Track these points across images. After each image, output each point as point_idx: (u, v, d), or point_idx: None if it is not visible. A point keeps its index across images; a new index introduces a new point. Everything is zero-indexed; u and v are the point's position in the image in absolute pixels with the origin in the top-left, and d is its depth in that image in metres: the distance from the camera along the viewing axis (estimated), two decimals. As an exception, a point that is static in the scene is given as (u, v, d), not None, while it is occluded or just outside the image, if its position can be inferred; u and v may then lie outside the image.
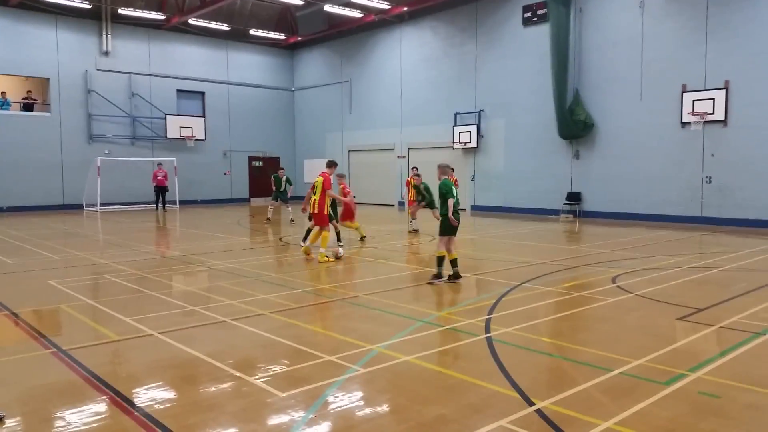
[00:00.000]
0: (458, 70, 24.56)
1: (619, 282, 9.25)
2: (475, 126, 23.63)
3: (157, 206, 25.52)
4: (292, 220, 19.55)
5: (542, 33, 21.02)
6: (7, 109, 24.79)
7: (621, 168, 19.88)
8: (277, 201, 20.06)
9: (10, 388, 4.97)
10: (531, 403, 4.50)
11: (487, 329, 6.59)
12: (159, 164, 25.87)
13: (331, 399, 4.68)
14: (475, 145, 23.68)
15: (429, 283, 9.23)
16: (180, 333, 6.61)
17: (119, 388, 4.92)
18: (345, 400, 4.70)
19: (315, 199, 11.64)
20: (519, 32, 22.39)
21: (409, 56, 26.55)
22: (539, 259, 11.71)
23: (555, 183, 21.48)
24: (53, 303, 8.33)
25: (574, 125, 20.44)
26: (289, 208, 20.12)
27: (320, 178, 11.75)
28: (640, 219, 19.17)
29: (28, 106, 25.67)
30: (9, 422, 4.32)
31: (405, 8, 24.99)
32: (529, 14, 22.02)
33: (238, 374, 5.25)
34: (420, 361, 5.53)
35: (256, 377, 5.18)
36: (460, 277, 9.36)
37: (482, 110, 23.74)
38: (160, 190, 25.38)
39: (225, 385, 5.04)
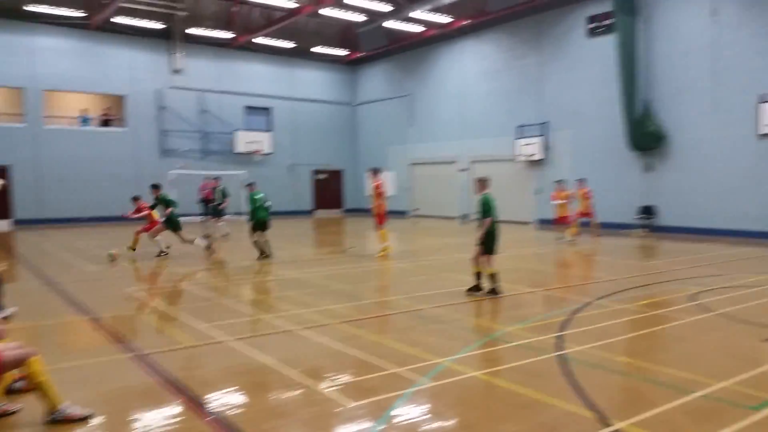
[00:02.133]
0: (520, 82, 24.26)
1: (697, 300, 8.80)
2: (541, 138, 23.22)
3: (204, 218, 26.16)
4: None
5: (608, 43, 20.48)
6: (88, 125, 26.30)
7: (696, 181, 19.01)
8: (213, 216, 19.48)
9: (94, 389, 5.20)
10: (608, 424, 4.33)
11: (559, 346, 6.41)
12: (205, 178, 26.56)
13: (399, 411, 4.65)
14: (541, 157, 23.25)
15: (488, 295, 9.12)
16: (251, 340, 6.76)
17: (194, 393, 5.06)
18: (413, 412, 4.66)
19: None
20: (584, 43, 21.92)
21: (471, 69, 26.45)
22: (612, 275, 11.32)
23: (625, 196, 20.76)
24: (131, 309, 8.70)
25: (645, 137, 19.73)
26: (221, 223, 19.60)
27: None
28: (718, 234, 18.23)
29: (105, 123, 27.11)
30: (92, 421, 4.52)
31: (466, 22, 24.95)
32: (594, 25, 21.54)
33: (307, 382, 5.31)
34: (489, 377, 5.43)
35: (325, 386, 5.22)
36: (480, 290, 9.23)
37: (547, 122, 23.32)
38: (207, 202, 26.04)
39: (295, 393, 5.10)
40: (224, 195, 19.68)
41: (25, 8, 22.92)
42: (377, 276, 11.48)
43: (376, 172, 14.23)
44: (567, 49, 22.52)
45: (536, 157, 23.32)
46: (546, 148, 23.27)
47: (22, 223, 23.24)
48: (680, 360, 6.02)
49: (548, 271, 12.45)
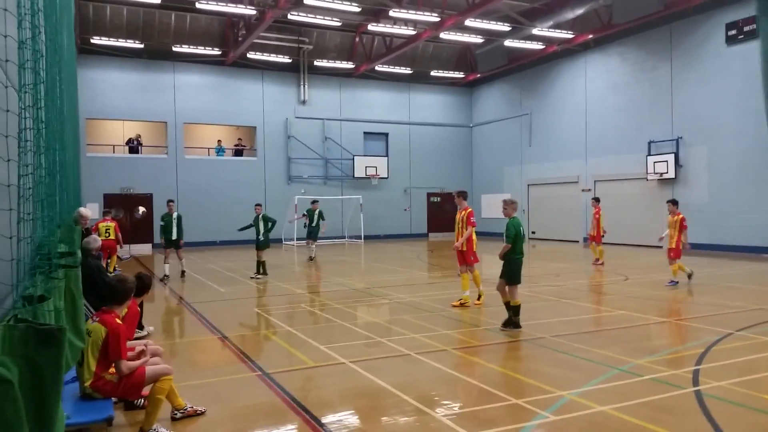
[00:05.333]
0: (651, 95, 22.87)
1: None
2: (672, 155, 21.68)
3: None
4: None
5: (750, 51, 18.78)
6: (222, 155, 28.45)
7: None
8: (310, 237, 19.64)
9: (225, 405, 5.51)
10: (758, 475, 3.86)
11: (696, 382, 5.86)
12: (312, 202, 27.30)
13: (519, 445, 4.46)
14: (673, 176, 21.68)
15: (504, 327, 8.46)
16: (367, 363, 6.85)
17: (314, 413, 5.21)
18: (535, 447, 4.46)
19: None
20: (722, 51, 20.27)
21: (595, 84, 25.40)
22: (756, 305, 10.22)
23: (770, 217, 18.76)
24: (257, 329, 9.18)
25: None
26: (313, 246, 19.72)
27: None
28: None
29: (238, 152, 29.21)
30: (223, 436, 4.78)
31: (590, 36, 24.07)
32: (733, 32, 19.87)
33: (423, 408, 5.27)
34: (617, 412, 5.07)
35: (442, 414, 5.15)
36: (519, 326, 8.44)
37: (680, 137, 21.74)
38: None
39: (411, 419, 5.08)
40: (321, 218, 19.83)
41: (174, 49, 25.39)
42: (492, 301, 11.21)
43: (464, 196, 10.82)
44: (702, 58, 20.95)
45: (668, 176, 21.78)
46: (678, 165, 21.68)
47: (161, 246, 25.48)
48: None
49: (681, 298, 11.49)
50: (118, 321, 4.72)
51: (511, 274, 8.48)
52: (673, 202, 13.49)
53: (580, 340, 7.79)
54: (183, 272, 15.53)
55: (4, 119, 2.08)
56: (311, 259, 19.50)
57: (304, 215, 21.00)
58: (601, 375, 6.18)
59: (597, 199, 18.31)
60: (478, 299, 10.61)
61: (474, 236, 10.44)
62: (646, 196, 23.11)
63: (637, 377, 6.14)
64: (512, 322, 8.41)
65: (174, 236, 14.96)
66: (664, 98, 22.31)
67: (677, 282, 12.63)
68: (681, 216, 13.18)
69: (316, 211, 19.70)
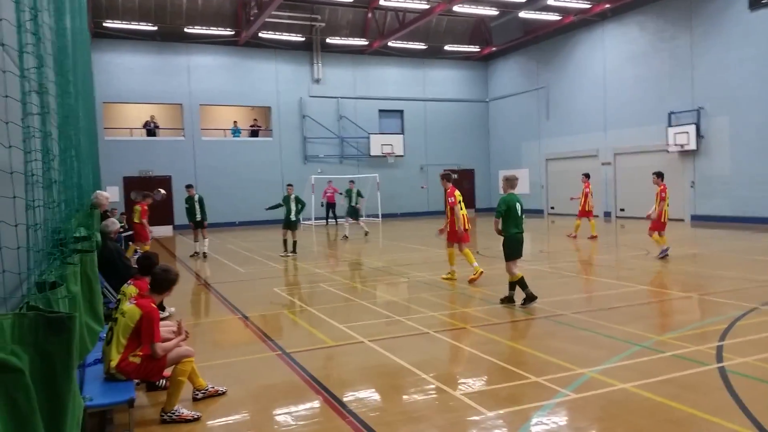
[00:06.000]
0: (670, 65, 22.33)
1: None
2: (694, 126, 21.22)
3: (327, 221, 27.02)
4: (346, 237, 19.37)
5: (777, 15, 18.20)
6: (238, 136, 28.47)
7: None
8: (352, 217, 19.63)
9: (246, 385, 5.56)
10: (785, 451, 3.79)
11: (719, 358, 5.77)
12: (329, 181, 27.36)
13: (541, 423, 4.44)
14: (694, 148, 21.25)
15: (502, 303, 8.58)
16: (387, 342, 6.85)
17: (335, 392, 5.22)
18: (556, 426, 4.43)
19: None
20: (744, 18, 19.65)
21: (613, 55, 24.85)
22: (781, 278, 10.03)
23: (797, 188, 18.34)
24: (277, 308, 9.23)
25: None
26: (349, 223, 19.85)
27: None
28: None
29: (254, 133, 29.20)
30: (243, 416, 4.82)
31: (607, 5, 23.49)
32: (758, -5, 19.24)
33: (443, 387, 5.26)
34: (639, 389, 5.01)
35: (461, 392, 5.13)
36: (514, 301, 8.49)
37: (701, 108, 21.25)
38: (330, 206, 26.87)
39: (431, 397, 5.08)
40: (360, 195, 20.29)
41: (186, 30, 25.31)
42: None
43: (446, 177, 11.01)
44: (724, 26, 20.35)
45: (689, 147, 21.36)
46: (699, 137, 21.23)
47: (181, 228, 25.70)
48: None
49: (705, 273, 11.32)
50: (153, 305, 4.77)
51: (506, 250, 8.54)
52: (657, 174, 13.65)
53: (600, 317, 7.71)
54: (204, 254, 15.82)
55: (3, 105, 2.04)
56: (366, 234, 20.13)
57: (342, 194, 21.65)
58: (623, 352, 6.11)
59: (587, 175, 18.49)
60: (452, 278, 10.85)
61: (458, 213, 10.49)
62: (666, 168, 22.62)
63: (660, 354, 6.06)
64: (528, 295, 8.39)
65: (198, 217, 15.73)
66: (684, 68, 21.77)
67: (667, 249, 12.72)
68: (661, 187, 13.27)
69: (354, 191, 20.10)
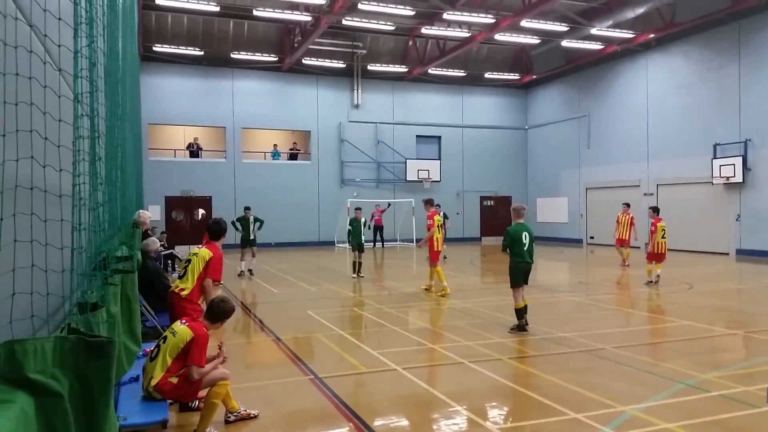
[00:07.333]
0: (717, 96, 21.84)
1: None
2: (740, 158, 20.62)
3: (374, 244, 26.92)
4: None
5: (830, 45, 17.66)
6: (278, 159, 28.94)
7: None
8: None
9: (277, 409, 5.53)
10: None
11: (771, 401, 5.48)
12: (377, 205, 27.40)
13: (578, 463, 4.27)
14: (740, 180, 20.61)
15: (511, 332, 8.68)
16: (420, 370, 6.75)
17: (366, 420, 5.15)
18: (595, 466, 4.25)
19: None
20: (797, 47, 19.14)
21: (657, 84, 24.46)
22: (837, 318, 9.54)
23: None
24: (310, 331, 9.21)
25: None
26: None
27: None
28: None
29: (293, 156, 29.64)
30: (275, 441, 4.78)
31: (651, 35, 23.20)
32: (810, 25, 18.73)
33: (477, 419, 5.13)
34: (684, 430, 4.79)
35: (496, 425, 4.99)
36: (525, 330, 8.64)
37: (749, 140, 20.66)
38: (377, 229, 26.86)
39: (463, 430, 4.95)
40: (445, 218, 18.89)
41: (232, 56, 26.04)
42: (548, 309, 10.90)
43: (429, 203, 12.68)
44: (774, 56, 19.85)
45: (735, 180, 20.73)
46: (746, 169, 20.61)
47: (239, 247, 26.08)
48: None
49: (750, 309, 10.86)
50: (205, 330, 4.83)
51: (510, 277, 8.75)
52: (653, 209, 14.07)
53: (642, 352, 7.45)
54: (251, 271, 16.69)
55: (57, 129, 2.11)
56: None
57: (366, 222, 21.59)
58: (666, 389, 5.87)
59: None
60: (429, 290, 12.72)
61: (436, 236, 12.30)
62: (711, 200, 22.09)
63: (705, 393, 5.80)
64: (519, 325, 8.66)
65: (251, 236, 16.67)
66: (731, 99, 21.26)
67: (652, 280, 13.44)
68: (654, 220, 13.67)
69: (362, 221, 20.19)
